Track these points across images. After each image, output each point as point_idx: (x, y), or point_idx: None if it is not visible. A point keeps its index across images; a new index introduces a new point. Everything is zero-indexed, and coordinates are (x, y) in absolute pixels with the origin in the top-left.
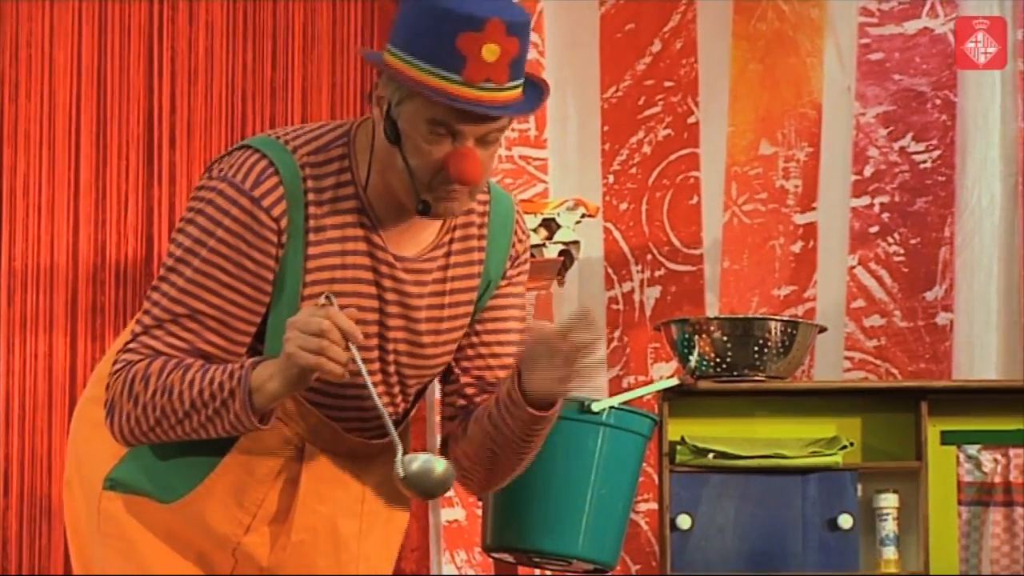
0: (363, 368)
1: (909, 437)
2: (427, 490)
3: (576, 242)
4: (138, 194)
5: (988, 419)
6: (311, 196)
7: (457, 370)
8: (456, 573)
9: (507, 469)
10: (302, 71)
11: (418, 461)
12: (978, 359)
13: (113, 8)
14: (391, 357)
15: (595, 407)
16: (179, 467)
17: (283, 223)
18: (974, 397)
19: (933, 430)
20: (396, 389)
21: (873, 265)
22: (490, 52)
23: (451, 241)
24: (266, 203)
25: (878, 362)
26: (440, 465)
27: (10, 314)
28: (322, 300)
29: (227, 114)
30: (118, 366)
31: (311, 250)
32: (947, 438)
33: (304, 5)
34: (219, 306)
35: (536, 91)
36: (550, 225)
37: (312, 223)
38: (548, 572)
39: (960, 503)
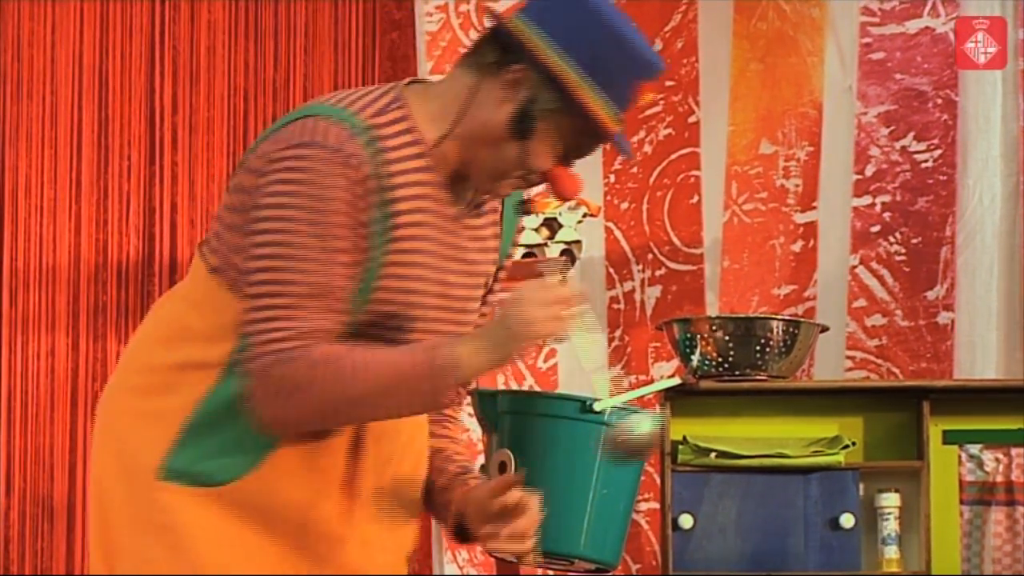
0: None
1: (911, 437)
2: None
3: (578, 242)
4: (140, 194)
5: (990, 418)
6: (386, 155)
7: None
8: (458, 572)
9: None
10: (303, 70)
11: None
12: (979, 358)
13: (115, 8)
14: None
15: (597, 407)
16: (238, 447)
17: (371, 184)
18: (975, 396)
19: (935, 429)
20: None
21: (874, 264)
22: (645, 98)
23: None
24: (355, 163)
25: (879, 361)
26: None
27: (12, 314)
28: (560, 265)
29: (229, 114)
30: (274, 349)
31: (392, 207)
32: (949, 437)
33: (306, 5)
34: (345, 274)
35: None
36: (552, 225)
37: (389, 181)
38: (550, 572)
39: (962, 502)
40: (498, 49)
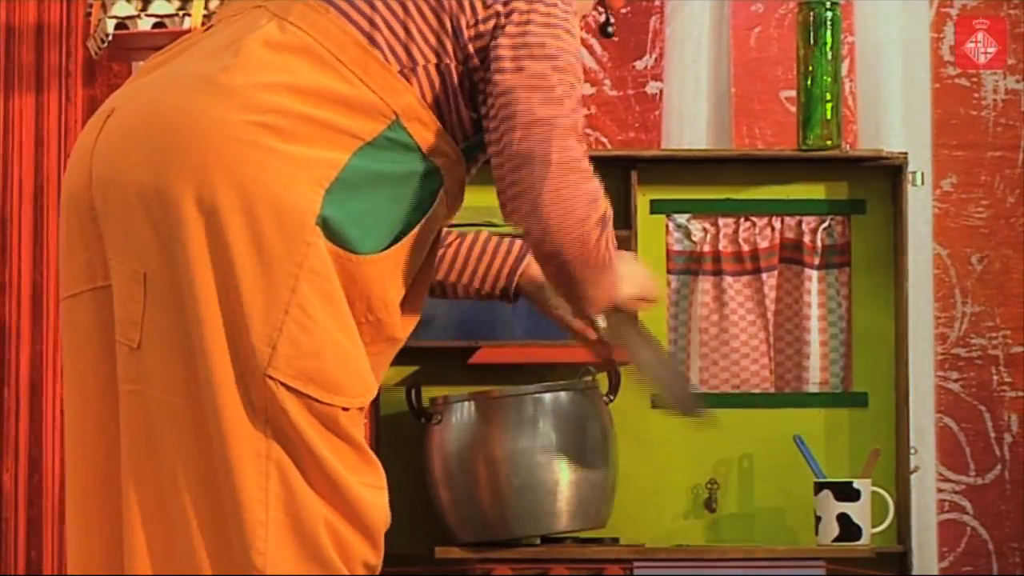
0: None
1: (619, 206)
2: None
3: None
4: None
5: (697, 188)
6: None
7: None
8: None
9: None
10: None
11: None
12: (687, 129)
13: None
14: None
15: None
16: (377, 221)
17: None
18: (683, 167)
19: (643, 199)
20: None
21: (582, 34)
22: None
23: None
24: None
25: (588, 131)
26: None
27: None
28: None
29: None
30: (583, 162)
31: None
32: (656, 207)
33: None
34: None
35: None
36: None
37: None
38: None
39: (669, 271)
40: None
